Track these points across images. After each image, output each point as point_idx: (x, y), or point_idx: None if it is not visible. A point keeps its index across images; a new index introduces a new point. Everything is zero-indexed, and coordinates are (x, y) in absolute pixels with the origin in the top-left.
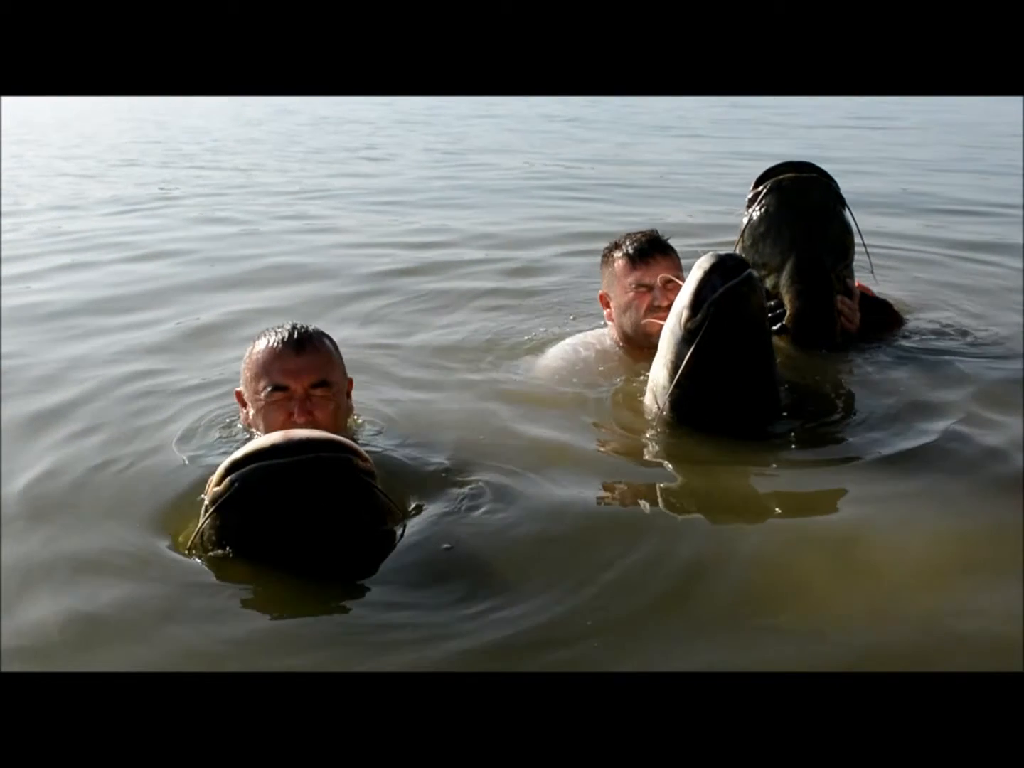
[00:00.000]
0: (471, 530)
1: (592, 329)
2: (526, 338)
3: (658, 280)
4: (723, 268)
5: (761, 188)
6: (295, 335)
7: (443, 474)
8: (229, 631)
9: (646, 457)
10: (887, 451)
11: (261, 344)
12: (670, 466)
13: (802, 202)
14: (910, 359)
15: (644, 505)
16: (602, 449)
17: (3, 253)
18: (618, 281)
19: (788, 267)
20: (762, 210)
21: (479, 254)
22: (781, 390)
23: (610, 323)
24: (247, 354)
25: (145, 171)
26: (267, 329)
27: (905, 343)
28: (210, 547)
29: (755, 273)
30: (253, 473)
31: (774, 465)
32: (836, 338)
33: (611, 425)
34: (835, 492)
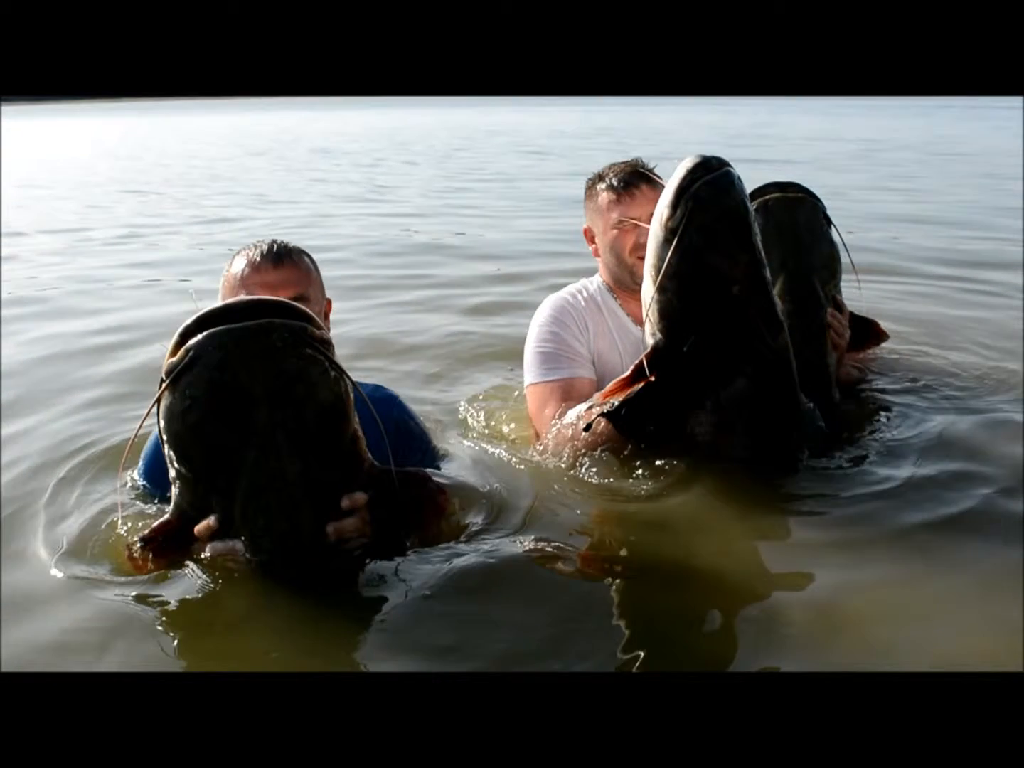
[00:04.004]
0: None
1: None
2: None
3: (644, 215)
4: (705, 166)
5: None
6: (274, 248)
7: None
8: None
9: (631, 498)
10: (878, 501)
11: (239, 259)
12: (654, 512)
13: (789, 222)
14: (912, 403)
15: (622, 550)
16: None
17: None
18: (602, 216)
19: (778, 287)
20: None
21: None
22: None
23: (597, 259)
24: (225, 269)
25: (149, 199)
26: (246, 245)
27: (905, 383)
28: (165, 427)
29: (736, 171)
30: (206, 340)
31: (766, 512)
32: (827, 357)
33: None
34: (825, 543)
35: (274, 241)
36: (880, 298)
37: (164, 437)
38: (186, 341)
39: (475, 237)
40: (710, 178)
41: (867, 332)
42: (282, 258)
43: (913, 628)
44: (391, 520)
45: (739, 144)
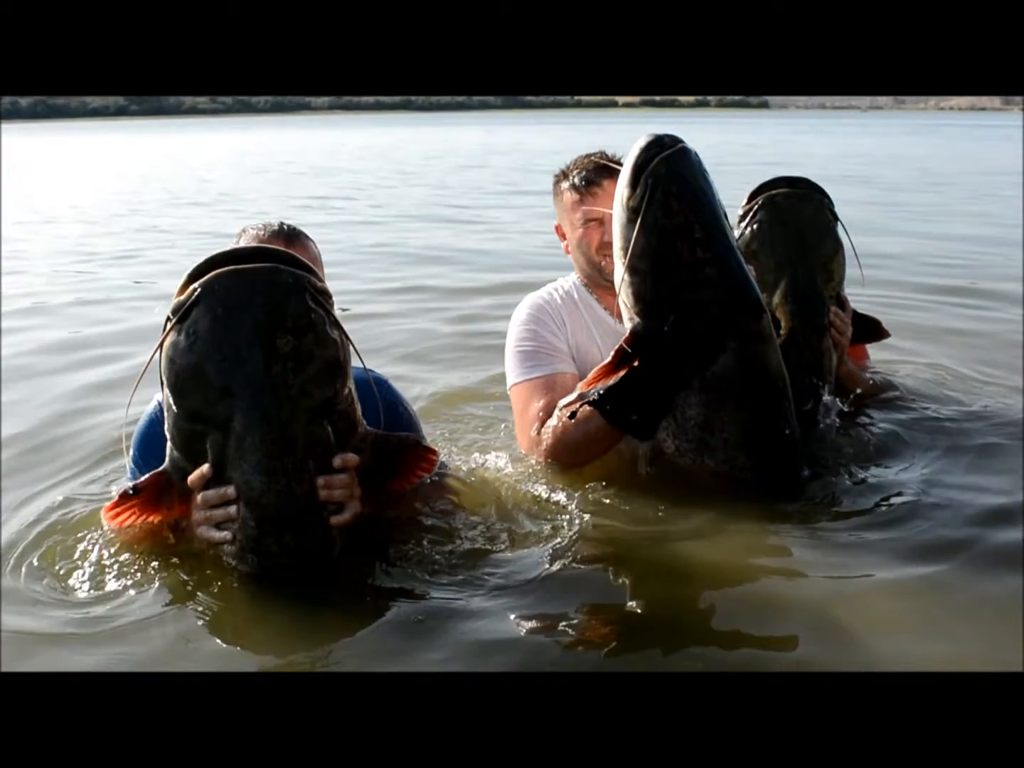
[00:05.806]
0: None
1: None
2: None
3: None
4: (660, 143)
5: (754, 203)
6: (284, 228)
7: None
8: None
9: (621, 520)
10: (878, 519)
11: (249, 235)
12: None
13: (795, 218)
14: (910, 420)
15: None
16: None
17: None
18: (568, 215)
19: (782, 285)
20: (755, 226)
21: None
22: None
23: (570, 256)
24: (232, 244)
25: (145, 219)
26: (253, 224)
27: (903, 397)
28: (166, 366)
29: (691, 146)
30: (213, 280)
31: (771, 542)
32: (824, 355)
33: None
34: (825, 560)
35: (282, 223)
36: (874, 310)
37: (164, 378)
38: (194, 282)
39: (473, 250)
40: (667, 154)
41: (869, 330)
42: (291, 239)
43: (912, 643)
44: (382, 482)
45: (737, 162)
